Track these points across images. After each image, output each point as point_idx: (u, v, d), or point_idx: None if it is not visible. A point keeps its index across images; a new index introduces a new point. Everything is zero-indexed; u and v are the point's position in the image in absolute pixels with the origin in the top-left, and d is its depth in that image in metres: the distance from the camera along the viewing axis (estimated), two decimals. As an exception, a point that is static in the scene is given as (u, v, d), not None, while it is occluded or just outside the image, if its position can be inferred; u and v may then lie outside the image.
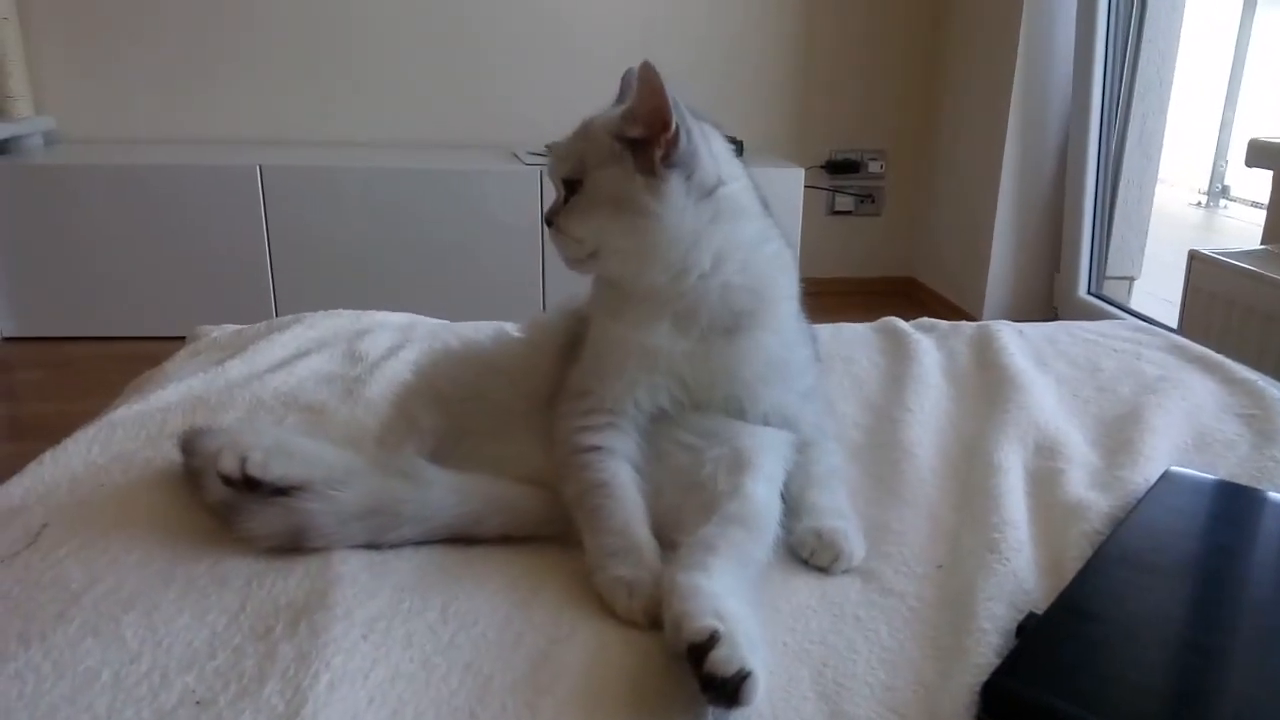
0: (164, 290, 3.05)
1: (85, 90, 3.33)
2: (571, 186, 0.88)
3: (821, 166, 3.69)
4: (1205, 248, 2.09)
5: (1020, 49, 3.09)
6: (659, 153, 0.84)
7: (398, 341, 1.35)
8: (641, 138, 0.84)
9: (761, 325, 0.89)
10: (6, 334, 3.03)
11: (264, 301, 3.07)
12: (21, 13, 3.13)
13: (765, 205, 0.95)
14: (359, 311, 1.47)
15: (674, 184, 0.84)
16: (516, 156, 3.25)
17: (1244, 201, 4.84)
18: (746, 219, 0.90)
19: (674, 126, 0.83)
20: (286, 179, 3.01)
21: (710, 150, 0.88)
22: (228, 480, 0.80)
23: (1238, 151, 4.68)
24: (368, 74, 3.42)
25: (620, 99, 0.92)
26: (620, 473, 0.85)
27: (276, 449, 0.81)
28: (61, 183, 2.96)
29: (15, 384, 2.85)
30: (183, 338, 2.87)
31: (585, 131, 0.89)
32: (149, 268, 3.03)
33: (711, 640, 0.65)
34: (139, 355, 2.91)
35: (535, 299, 3.15)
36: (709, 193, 0.86)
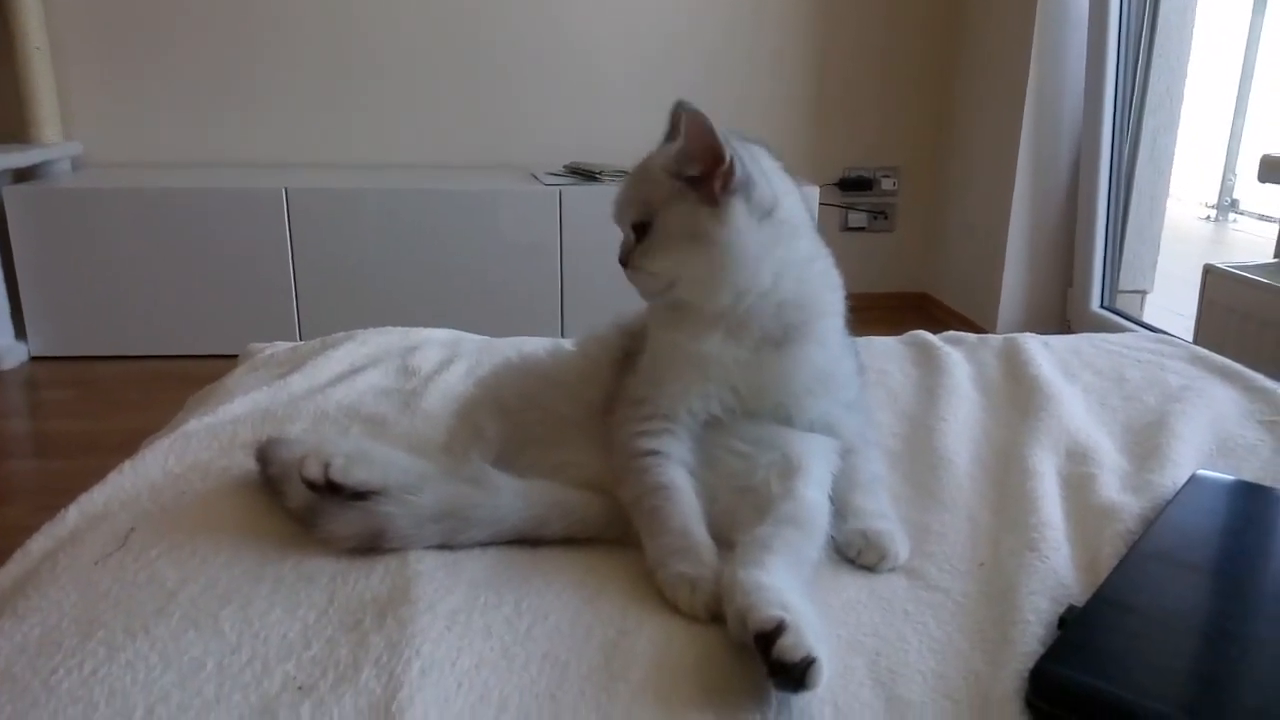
0: (189, 311, 3.11)
1: (112, 116, 3.41)
2: (641, 229, 0.93)
3: (835, 184, 3.75)
4: (1217, 261, 2.13)
5: (1032, 66, 3.14)
6: (718, 183, 0.88)
7: (446, 356, 1.41)
8: (700, 174, 0.89)
9: (808, 338, 0.94)
10: (34, 353, 3.10)
11: (288, 320, 3.13)
12: (51, 40, 3.21)
13: (814, 220, 1.00)
14: (407, 328, 1.53)
15: (736, 208, 0.89)
16: (535, 177, 3.31)
17: (1253, 215, 4.88)
18: (801, 236, 0.95)
19: (728, 158, 0.88)
20: (311, 201, 3.08)
21: (761, 170, 0.92)
22: (311, 485, 0.85)
23: (1245, 165, 4.74)
24: (389, 98, 3.49)
25: (670, 134, 0.96)
26: (677, 476, 0.90)
27: (357, 455, 0.86)
28: (88, 206, 3.04)
29: (42, 402, 2.91)
30: (208, 356, 2.94)
31: (644, 175, 0.94)
32: (174, 289, 3.10)
33: (779, 629, 0.69)
34: (165, 374, 3.00)
35: (554, 316, 3.21)
36: (769, 213, 0.91)
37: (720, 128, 0.89)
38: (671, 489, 0.88)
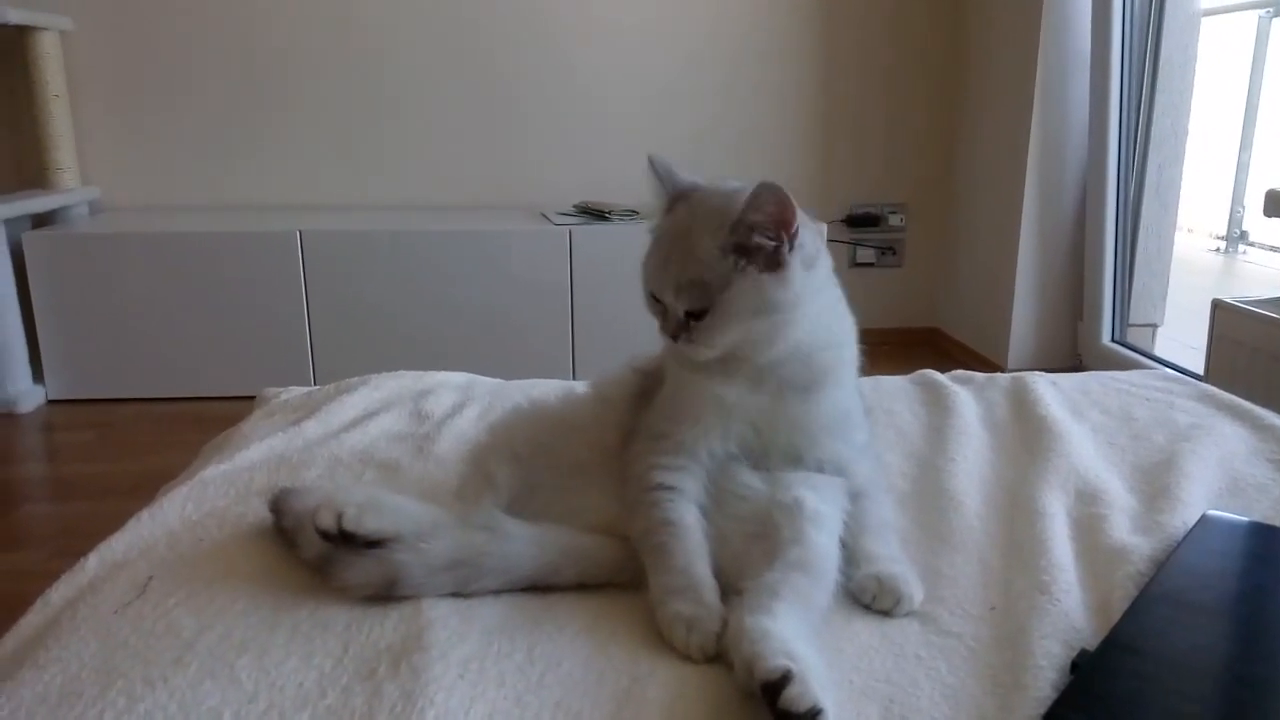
0: (205, 353, 3.14)
1: (128, 161, 3.46)
2: (698, 309, 0.91)
3: (842, 220, 3.78)
4: (1227, 294, 2.14)
5: (1036, 102, 3.17)
6: (785, 248, 0.88)
7: (459, 400, 1.42)
8: (767, 243, 0.89)
9: (836, 381, 0.95)
10: (51, 396, 3.12)
11: (303, 361, 3.15)
12: (69, 87, 3.27)
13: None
14: (419, 372, 1.55)
15: (795, 269, 0.89)
16: (545, 217, 3.34)
17: (1263, 246, 4.88)
18: (829, 279, 0.96)
19: (796, 226, 0.88)
20: (325, 243, 3.12)
21: (802, 219, 0.91)
22: (325, 535, 0.86)
23: (1254, 197, 4.74)
24: (401, 140, 3.54)
25: (661, 188, 0.96)
26: (687, 514, 0.90)
27: (369, 505, 0.87)
28: (105, 251, 3.08)
29: (60, 445, 2.93)
30: (224, 398, 2.96)
31: (691, 255, 0.90)
32: (190, 331, 3.13)
33: (785, 679, 0.70)
34: (181, 416, 3.02)
35: (566, 355, 3.22)
36: (813, 262, 0.92)
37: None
38: (678, 526, 0.89)
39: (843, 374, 0.97)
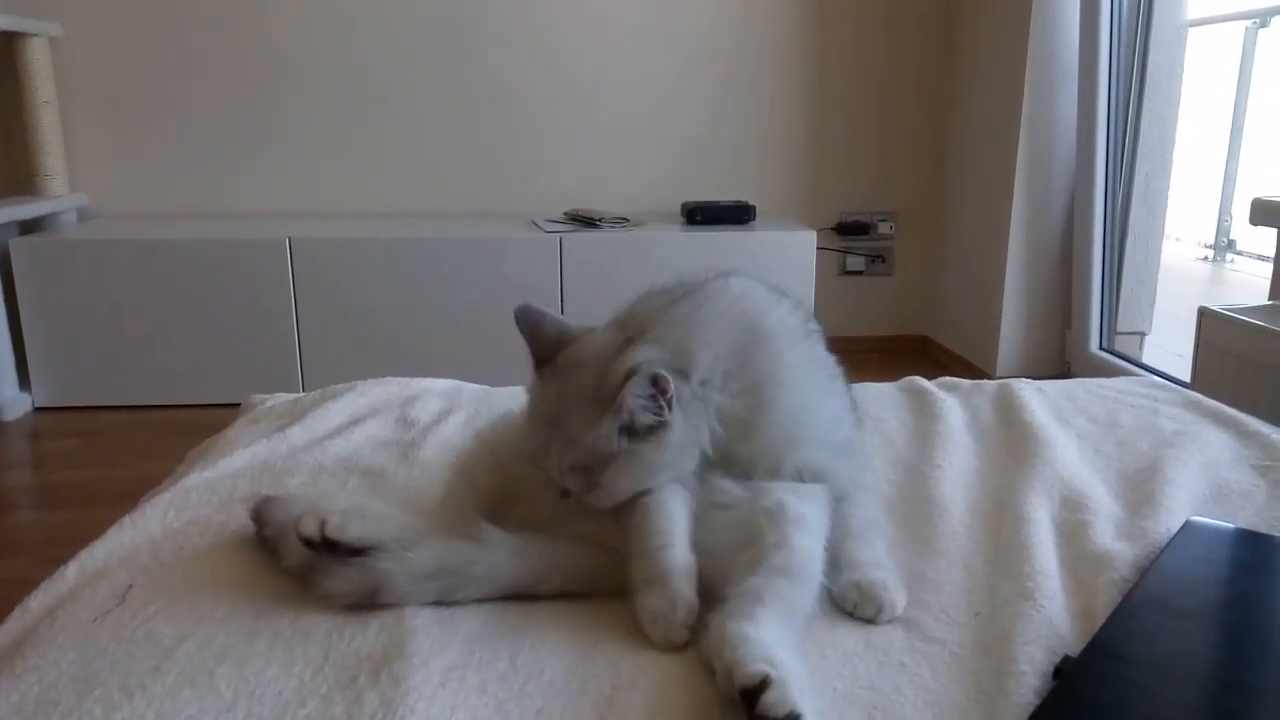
0: (193, 360, 3.13)
1: (117, 167, 3.45)
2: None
3: (833, 228, 3.78)
4: (1214, 303, 2.14)
5: (1025, 111, 3.19)
6: (666, 412, 0.88)
7: (445, 407, 1.42)
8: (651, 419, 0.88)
9: (770, 397, 0.94)
10: (38, 404, 3.11)
11: (292, 369, 3.14)
12: (58, 94, 3.27)
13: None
14: (406, 379, 1.54)
15: (677, 417, 0.89)
16: (536, 224, 3.34)
17: (1250, 255, 4.91)
18: (711, 323, 0.94)
19: (671, 393, 0.87)
20: (314, 250, 3.11)
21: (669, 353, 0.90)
22: (308, 542, 0.85)
23: (1242, 206, 4.77)
24: (392, 147, 3.54)
25: (528, 347, 0.95)
26: (665, 491, 0.91)
27: (352, 512, 0.87)
28: (93, 257, 3.06)
29: (46, 452, 2.91)
30: (212, 406, 2.95)
31: (571, 444, 0.89)
32: (178, 339, 3.11)
33: (763, 685, 0.70)
34: (169, 423, 3.01)
35: (556, 362, 3.22)
36: (682, 393, 0.90)
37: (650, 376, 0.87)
38: (651, 504, 0.90)
39: (781, 378, 0.95)
